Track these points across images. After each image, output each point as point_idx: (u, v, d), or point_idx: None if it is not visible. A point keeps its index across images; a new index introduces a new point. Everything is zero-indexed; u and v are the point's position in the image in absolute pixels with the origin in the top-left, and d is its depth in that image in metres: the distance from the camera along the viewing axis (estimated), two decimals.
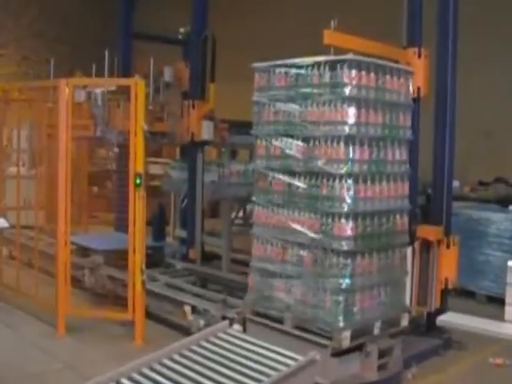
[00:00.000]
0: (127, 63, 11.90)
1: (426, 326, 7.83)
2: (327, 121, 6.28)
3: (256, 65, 7.08)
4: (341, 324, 6.12)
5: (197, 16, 10.76)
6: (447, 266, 7.67)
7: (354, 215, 6.16)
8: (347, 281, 6.15)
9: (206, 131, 10.49)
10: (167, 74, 11.63)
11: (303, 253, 6.47)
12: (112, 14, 14.27)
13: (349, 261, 6.16)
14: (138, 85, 7.75)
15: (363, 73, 6.22)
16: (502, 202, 11.44)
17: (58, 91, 8.08)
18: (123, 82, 9.21)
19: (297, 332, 6.43)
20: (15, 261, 9.51)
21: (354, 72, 6.16)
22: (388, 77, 6.48)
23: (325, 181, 6.27)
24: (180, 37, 12.87)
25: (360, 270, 6.26)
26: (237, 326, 6.61)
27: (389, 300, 6.56)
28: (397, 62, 7.23)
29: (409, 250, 7.29)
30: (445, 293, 7.78)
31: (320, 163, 6.29)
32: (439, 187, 7.88)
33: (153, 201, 10.34)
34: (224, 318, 7.14)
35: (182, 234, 11.57)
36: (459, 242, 7.81)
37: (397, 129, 6.59)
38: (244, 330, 6.78)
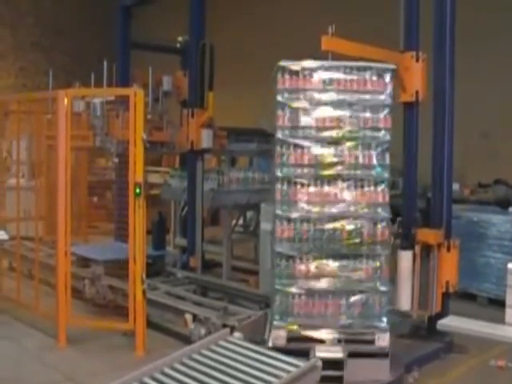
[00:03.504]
0: (126, 73, 11.91)
1: (427, 329, 7.80)
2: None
3: None
4: (276, 323, 6.38)
5: (194, 25, 10.75)
6: (448, 269, 7.66)
7: (290, 219, 6.34)
8: (284, 281, 6.37)
9: (206, 139, 10.49)
10: (166, 83, 11.66)
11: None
12: (110, 23, 14.29)
13: (284, 262, 6.35)
14: (136, 94, 7.74)
15: (301, 76, 6.39)
16: (502, 204, 11.42)
17: (56, 102, 8.07)
18: (122, 91, 9.23)
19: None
20: (15, 272, 9.49)
21: (286, 76, 6.36)
22: (345, 76, 6.46)
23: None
24: (178, 46, 12.90)
25: (301, 273, 6.36)
26: (238, 334, 6.59)
27: (355, 313, 6.45)
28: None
29: (406, 254, 7.32)
30: (446, 296, 7.77)
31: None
32: (439, 190, 7.86)
33: (153, 210, 10.36)
34: (225, 325, 7.12)
35: (183, 242, 11.57)
36: (459, 245, 7.81)
37: (358, 131, 6.47)
38: None
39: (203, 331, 7.32)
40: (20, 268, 9.46)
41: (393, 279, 7.35)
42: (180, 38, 12.79)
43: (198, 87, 10.61)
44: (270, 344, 6.41)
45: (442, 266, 7.65)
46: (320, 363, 5.84)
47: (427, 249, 7.62)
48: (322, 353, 6.18)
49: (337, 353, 6.26)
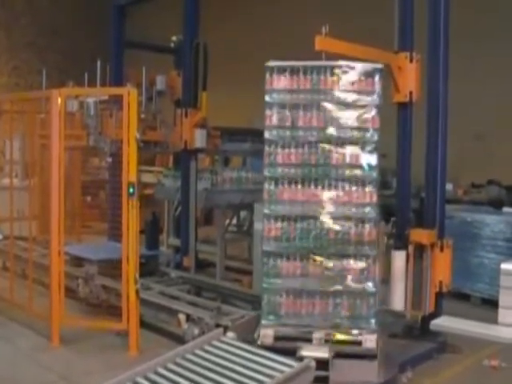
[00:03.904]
0: (119, 72, 11.88)
1: (421, 329, 7.81)
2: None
3: None
4: (263, 322, 6.46)
5: (188, 24, 10.75)
6: (441, 269, 7.67)
7: (277, 217, 6.41)
8: (271, 280, 6.44)
9: (199, 139, 10.49)
10: (160, 83, 11.64)
11: None
12: (104, 23, 14.27)
13: (272, 261, 6.42)
14: (130, 94, 7.73)
15: (288, 77, 6.45)
16: (495, 204, 11.46)
17: (50, 102, 8.05)
18: (116, 91, 9.21)
19: None
20: (9, 272, 9.47)
21: (274, 77, 6.44)
22: (332, 76, 6.45)
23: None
24: (172, 45, 12.88)
25: (288, 272, 6.41)
26: (231, 334, 6.60)
27: (342, 313, 6.41)
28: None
29: (399, 254, 7.34)
30: (439, 296, 7.78)
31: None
32: (432, 190, 7.87)
33: (146, 209, 10.34)
34: (218, 325, 7.12)
35: (176, 242, 11.57)
36: (453, 245, 7.82)
37: (345, 131, 6.43)
38: None
39: (197, 331, 7.33)
40: (13, 268, 9.43)
41: (387, 279, 7.37)
42: (174, 38, 12.77)
43: (192, 87, 10.61)
44: (259, 342, 6.43)
45: (435, 266, 7.66)
46: (313, 364, 5.85)
47: (421, 249, 7.63)
48: (307, 352, 6.17)
49: (323, 353, 6.22)
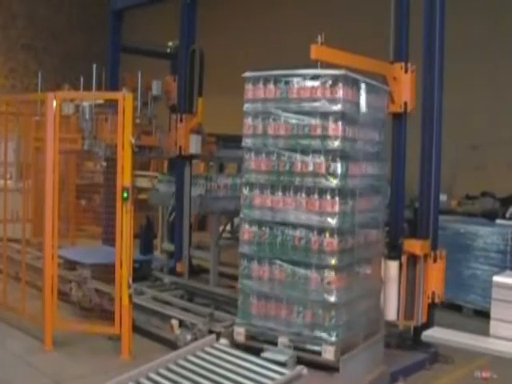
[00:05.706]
0: (115, 77, 11.91)
1: (413, 339, 7.82)
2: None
3: None
4: (237, 320, 6.63)
5: (184, 30, 10.78)
6: (434, 280, 7.68)
7: (251, 222, 6.55)
8: (244, 282, 6.59)
9: (194, 145, 10.51)
10: (155, 88, 11.64)
11: None
12: (101, 27, 14.30)
13: (245, 263, 6.58)
14: (125, 98, 7.73)
15: (262, 86, 6.52)
16: (489, 216, 11.48)
17: (45, 104, 8.06)
18: (111, 95, 9.19)
19: None
20: (2, 274, 9.45)
21: (250, 87, 6.59)
22: (299, 84, 6.39)
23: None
24: (168, 50, 12.90)
25: (257, 275, 6.51)
26: (224, 340, 6.60)
27: (305, 321, 6.30)
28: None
29: (392, 264, 7.38)
30: (431, 307, 7.80)
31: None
32: (426, 201, 7.88)
33: (140, 214, 10.35)
34: (211, 332, 7.13)
35: (170, 247, 11.56)
36: (446, 256, 7.84)
37: (317, 139, 6.29)
38: None
39: (189, 337, 7.32)
40: (6, 270, 9.42)
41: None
42: (170, 43, 12.80)
43: (188, 92, 10.62)
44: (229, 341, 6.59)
45: (428, 277, 7.67)
46: (305, 371, 5.86)
47: (414, 259, 7.65)
48: (268, 354, 6.21)
49: (282, 356, 6.16)
